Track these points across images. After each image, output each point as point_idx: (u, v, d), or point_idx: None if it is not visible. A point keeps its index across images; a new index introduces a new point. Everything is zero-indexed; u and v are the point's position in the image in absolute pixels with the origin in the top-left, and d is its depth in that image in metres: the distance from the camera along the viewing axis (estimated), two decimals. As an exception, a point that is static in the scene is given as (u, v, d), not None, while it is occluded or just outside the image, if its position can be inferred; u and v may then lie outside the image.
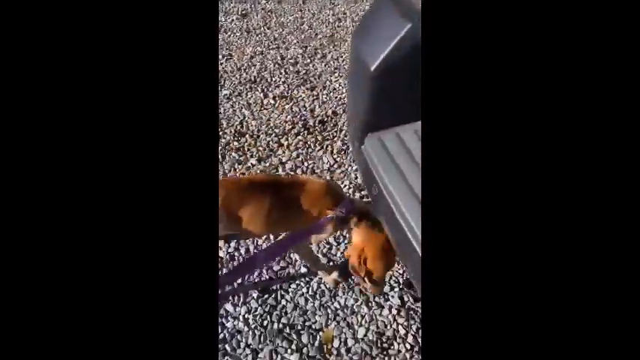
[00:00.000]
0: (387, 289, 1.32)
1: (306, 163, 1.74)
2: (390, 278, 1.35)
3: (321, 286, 1.32)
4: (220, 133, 1.90)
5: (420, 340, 1.20)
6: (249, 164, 1.74)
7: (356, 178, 1.68)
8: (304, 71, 2.30)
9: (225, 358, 1.16)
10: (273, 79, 2.23)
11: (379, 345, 1.19)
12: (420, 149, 0.84)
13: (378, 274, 1.08)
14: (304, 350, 1.17)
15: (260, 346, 1.19)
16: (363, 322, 1.24)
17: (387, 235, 1.01)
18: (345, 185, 1.65)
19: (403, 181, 0.80)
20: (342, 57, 2.43)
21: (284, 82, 2.21)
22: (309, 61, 2.39)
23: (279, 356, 1.17)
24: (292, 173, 1.69)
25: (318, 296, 1.30)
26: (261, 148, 1.81)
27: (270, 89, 2.16)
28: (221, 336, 1.21)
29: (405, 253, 0.85)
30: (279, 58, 2.42)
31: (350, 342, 1.20)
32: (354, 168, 1.72)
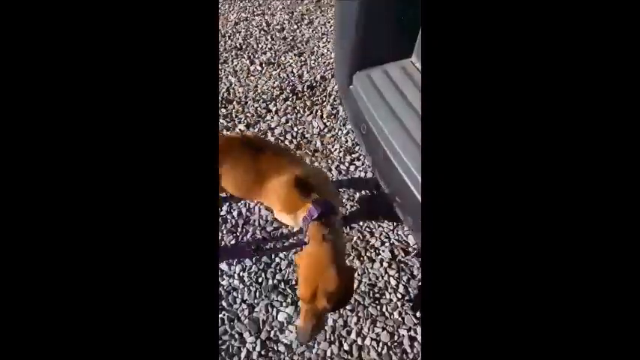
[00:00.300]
0: (377, 243, 1.35)
1: (295, 128, 1.73)
2: (381, 234, 1.38)
3: (314, 243, 1.35)
4: (207, 100, 1.86)
5: (410, 290, 1.25)
6: (238, 130, 1.72)
7: (346, 141, 1.68)
8: (291, 37, 2.24)
9: (222, 313, 1.19)
10: (260, 46, 2.17)
11: (371, 295, 1.23)
12: (408, 85, 0.84)
13: (303, 297, 0.84)
14: (299, 303, 1.21)
15: (256, 301, 1.22)
16: (356, 275, 1.27)
17: (334, 260, 0.83)
18: (336, 149, 1.65)
19: (393, 116, 0.80)
20: (329, 22, 2.37)
21: (270, 49, 2.15)
22: (295, 27, 2.33)
23: (274, 309, 1.20)
24: (282, 139, 1.68)
25: (311, 253, 1.33)
26: (249, 115, 1.78)
27: (256, 56, 2.11)
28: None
29: (398, 190, 0.86)
30: (264, 24, 2.34)
31: (343, 294, 1.23)
32: (345, 132, 1.72)
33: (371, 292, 1.24)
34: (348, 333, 1.16)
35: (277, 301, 1.22)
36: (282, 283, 1.25)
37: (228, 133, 1.71)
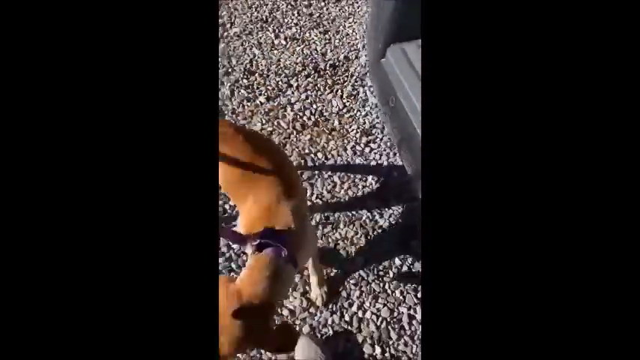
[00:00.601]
0: (386, 224, 1.38)
1: (314, 106, 1.74)
2: (390, 216, 1.40)
3: (323, 219, 1.38)
4: (229, 70, 1.87)
5: (413, 271, 1.28)
6: (258, 102, 1.74)
7: (364, 123, 1.68)
8: (318, 14, 2.22)
9: (231, 274, 1.24)
10: (285, 20, 2.16)
11: (375, 272, 1.27)
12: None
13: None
14: (305, 272, 1.25)
15: (264, 266, 1.26)
16: (362, 253, 1.31)
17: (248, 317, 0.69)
18: (353, 129, 1.66)
19: None
20: (357, 2, 2.33)
21: (296, 24, 2.14)
22: (323, 4, 2.29)
23: (281, 276, 1.24)
24: (300, 114, 1.69)
25: (320, 226, 1.36)
26: (270, 88, 1.79)
27: (281, 30, 2.10)
28: (227, 255, 1.28)
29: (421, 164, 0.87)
30: (292, -2, 2.31)
31: (349, 268, 1.27)
32: (363, 113, 1.72)
33: (375, 269, 1.27)
34: (350, 305, 1.20)
35: (284, 268, 1.26)
36: (290, 253, 1.29)
37: (248, 104, 1.72)
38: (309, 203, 1.42)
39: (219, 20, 2.14)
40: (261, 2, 2.27)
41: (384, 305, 1.20)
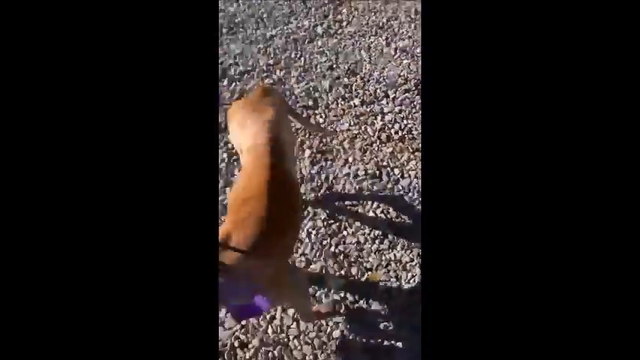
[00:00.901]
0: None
1: (405, 121, 1.71)
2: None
3: (381, 235, 1.36)
4: (334, 67, 1.93)
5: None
6: (352, 103, 1.77)
7: (451, 152, 1.61)
8: (434, 32, 2.17)
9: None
10: (400, 31, 2.15)
11: (419, 305, 1.22)
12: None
13: None
14: (350, 278, 1.25)
15: (314, 259, 1.29)
16: (411, 281, 1.27)
17: None
18: (437, 156, 1.60)
19: None
20: (479, 29, 2.22)
21: (410, 37, 2.12)
22: (442, 23, 2.24)
23: (328, 272, 1.26)
24: (389, 126, 1.68)
25: (377, 242, 1.35)
26: (367, 93, 1.81)
27: (394, 40, 2.10)
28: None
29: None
30: (413, 11, 2.30)
31: (394, 292, 1.24)
32: (453, 143, 1.65)
33: (420, 302, 1.23)
34: (385, 327, 1.18)
35: (332, 268, 1.28)
36: (342, 256, 1.31)
37: (342, 103, 1.76)
38: (372, 214, 1.41)
39: (338, 17, 2.21)
40: (382, 8, 2.29)
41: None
